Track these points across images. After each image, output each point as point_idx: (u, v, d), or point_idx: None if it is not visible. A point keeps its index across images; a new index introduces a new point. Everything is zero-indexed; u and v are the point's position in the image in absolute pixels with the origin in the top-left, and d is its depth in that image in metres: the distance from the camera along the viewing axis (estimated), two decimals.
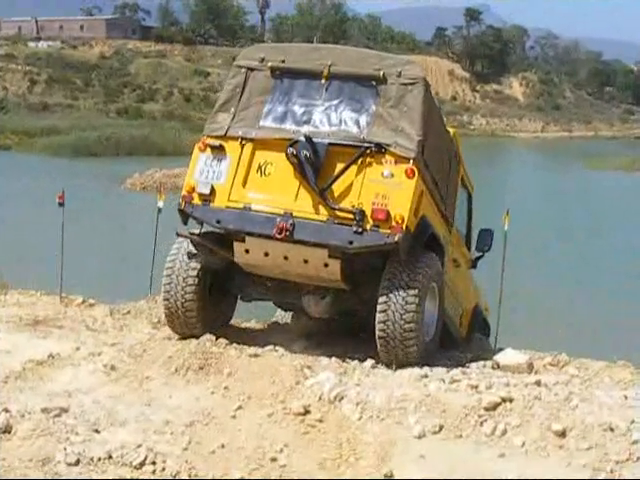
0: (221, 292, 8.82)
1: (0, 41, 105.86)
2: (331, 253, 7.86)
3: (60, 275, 11.19)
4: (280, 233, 7.78)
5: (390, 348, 7.91)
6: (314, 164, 7.84)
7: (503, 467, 6.23)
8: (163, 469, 6.31)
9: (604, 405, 6.86)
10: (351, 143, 7.92)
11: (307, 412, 6.89)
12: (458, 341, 9.97)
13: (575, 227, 34.02)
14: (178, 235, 8.49)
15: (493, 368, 8.31)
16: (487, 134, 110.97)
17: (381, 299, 7.86)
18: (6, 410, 6.84)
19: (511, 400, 6.86)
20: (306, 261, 7.96)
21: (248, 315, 10.24)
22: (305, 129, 8.01)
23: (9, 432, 6.59)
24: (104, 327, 9.45)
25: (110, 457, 6.35)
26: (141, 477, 6.24)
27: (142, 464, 6.32)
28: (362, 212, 7.70)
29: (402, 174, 7.76)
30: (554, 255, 28.21)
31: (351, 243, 7.71)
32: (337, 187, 7.87)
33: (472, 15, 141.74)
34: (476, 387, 7.12)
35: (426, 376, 7.51)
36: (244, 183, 8.11)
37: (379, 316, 7.86)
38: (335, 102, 8.13)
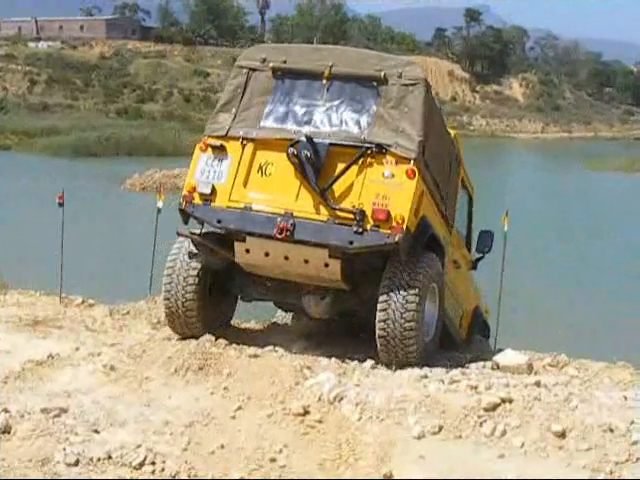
0: (221, 292, 8.82)
1: (0, 41, 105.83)
2: (331, 253, 7.87)
3: (60, 275, 11.19)
4: (281, 233, 7.79)
5: (390, 347, 7.91)
6: (315, 164, 7.85)
7: (502, 468, 6.23)
8: (162, 469, 6.31)
9: (604, 406, 6.86)
10: (352, 143, 7.93)
11: (307, 413, 6.89)
12: (458, 342, 9.97)
13: (575, 228, 34.02)
14: (179, 235, 8.50)
15: (493, 369, 8.31)
16: (487, 135, 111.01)
17: (381, 298, 7.87)
18: (6, 410, 6.84)
19: (511, 401, 6.86)
20: (306, 261, 7.97)
21: (247, 316, 10.24)
22: (306, 129, 8.02)
23: (9, 432, 6.59)
24: (103, 327, 9.45)
25: (109, 457, 6.35)
26: (140, 477, 6.24)
27: (141, 464, 6.32)
28: (362, 212, 7.71)
29: (403, 174, 7.77)
30: (554, 256, 28.21)
31: (351, 243, 7.72)
32: (338, 187, 7.88)
33: (472, 16, 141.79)
34: (476, 388, 7.12)
35: (426, 377, 7.51)
36: (245, 183, 8.12)
37: (379, 315, 7.87)
38: (336, 102, 8.14)
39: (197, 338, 8.34)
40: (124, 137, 61.25)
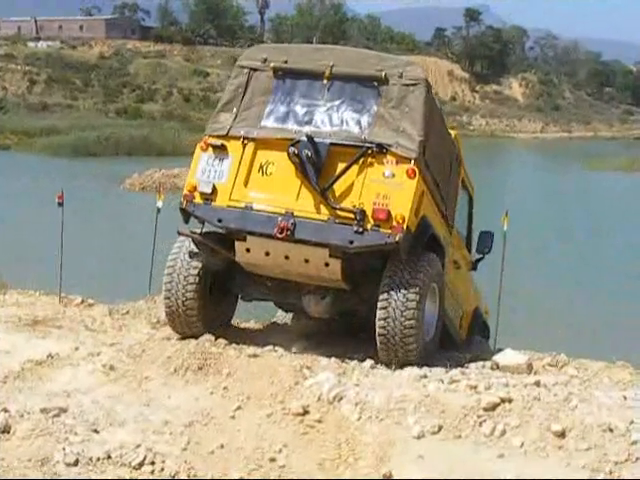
0: (222, 292, 8.83)
1: None
2: (332, 253, 7.88)
3: (59, 275, 11.19)
4: (281, 232, 7.80)
5: (390, 345, 7.91)
6: (315, 164, 7.87)
7: (502, 467, 6.23)
8: (162, 469, 6.31)
9: (603, 406, 6.86)
10: (352, 143, 7.94)
11: (306, 412, 6.89)
12: (458, 343, 9.97)
13: (575, 227, 34.04)
14: (179, 234, 8.51)
15: (492, 368, 8.31)
16: (486, 134, 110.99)
17: (382, 296, 7.88)
18: (5, 410, 6.84)
19: (510, 400, 6.86)
20: (307, 260, 7.98)
21: (247, 315, 10.24)
22: (307, 129, 8.04)
23: (8, 432, 6.59)
24: (103, 327, 9.45)
25: (109, 457, 6.35)
26: (140, 477, 6.24)
27: (141, 464, 6.32)
28: (363, 212, 7.72)
29: (403, 174, 7.79)
30: (553, 255, 28.21)
31: (352, 243, 7.73)
32: (338, 187, 7.90)
33: (471, 15, 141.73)
34: (475, 387, 7.12)
35: (425, 376, 7.51)
36: (246, 182, 8.13)
37: (379, 313, 7.88)
38: (337, 102, 8.15)
39: (197, 338, 8.35)
40: (124, 137, 61.26)
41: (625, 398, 7.12)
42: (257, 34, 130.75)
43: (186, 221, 8.40)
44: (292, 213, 7.88)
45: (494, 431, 6.54)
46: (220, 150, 8.23)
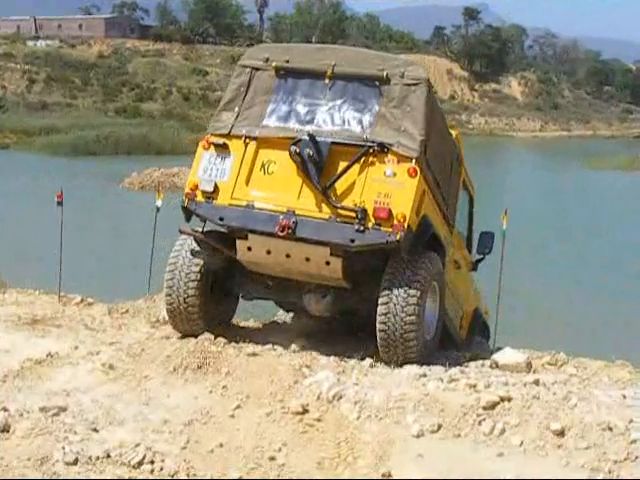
0: (223, 291, 8.83)
1: None
2: (333, 251, 7.90)
3: (59, 274, 11.18)
4: (282, 231, 7.82)
5: (390, 342, 7.92)
6: (317, 163, 7.89)
7: (501, 466, 6.23)
8: (161, 468, 6.31)
9: (602, 404, 6.86)
10: (354, 142, 7.96)
11: (305, 411, 6.89)
12: (458, 343, 9.97)
13: (574, 226, 34.04)
14: (181, 232, 8.53)
15: (492, 367, 8.31)
16: (486, 133, 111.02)
17: (383, 293, 7.90)
18: (4, 409, 6.84)
19: (509, 399, 6.86)
20: (308, 259, 7.99)
21: (246, 314, 10.24)
22: (308, 128, 8.06)
23: (7, 431, 6.60)
24: (102, 326, 9.44)
25: (108, 456, 6.35)
26: (139, 476, 6.24)
27: (140, 463, 6.32)
28: (364, 211, 7.74)
29: (404, 173, 7.81)
30: (553, 254, 28.23)
31: (353, 241, 7.75)
32: (340, 186, 7.92)
33: (471, 14, 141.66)
34: (474, 386, 7.12)
35: (424, 375, 7.51)
36: (247, 181, 8.16)
37: (380, 309, 7.89)
38: (338, 102, 8.18)
39: (196, 336, 8.36)
40: (123, 136, 61.25)
41: (624, 397, 7.12)
42: (256, 33, 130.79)
43: (188, 219, 8.43)
44: (293, 212, 7.89)
45: (493, 430, 6.55)
46: (222, 149, 8.25)
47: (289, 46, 9.14)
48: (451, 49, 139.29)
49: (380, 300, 7.91)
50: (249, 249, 8.19)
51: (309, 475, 6.31)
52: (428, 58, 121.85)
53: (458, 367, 8.05)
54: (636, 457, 6.14)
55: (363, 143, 7.92)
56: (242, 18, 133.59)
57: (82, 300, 10.81)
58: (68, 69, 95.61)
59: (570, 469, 6.13)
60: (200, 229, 8.47)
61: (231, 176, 8.17)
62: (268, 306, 10.09)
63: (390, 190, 7.78)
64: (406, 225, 7.70)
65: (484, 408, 6.77)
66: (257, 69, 8.46)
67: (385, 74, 8.05)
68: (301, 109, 8.26)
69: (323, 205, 7.90)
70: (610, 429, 6.42)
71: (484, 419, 6.66)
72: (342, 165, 7.93)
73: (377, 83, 8.11)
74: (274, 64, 8.38)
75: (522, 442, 6.42)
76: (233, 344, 8.23)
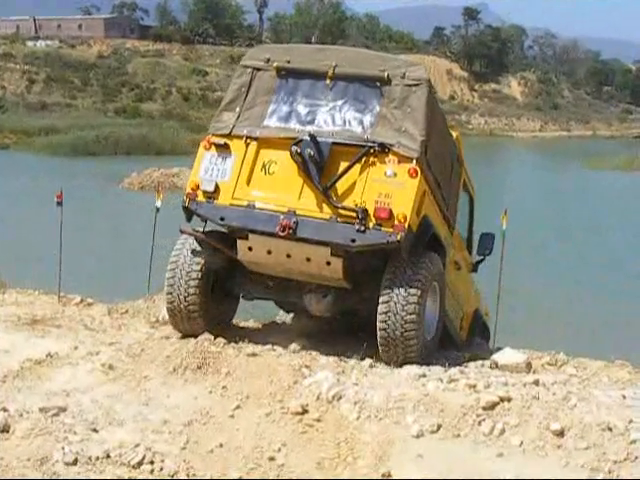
0: (223, 291, 8.84)
1: None
2: (333, 251, 7.92)
3: (58, 274, 11.18)
4: (283, 231, 7.83)
5: (390, 340, 7.93)
6: (318, 163, 7.90)
7: (501, 467, 6.23)
8: (161, 469, 6.31)
9: (602, 405, 6.86)
10: (355, 143, 7.97)
11: (305, 411, 6.89)
12: (458, 344, 9.97)
13: (574, 226, 34.04)
14: (182, 232, 8.54)
15: (491, 367, 8.31)
16: (485, 133, 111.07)
17: (383, 292, 7.92)
18: (4, 409, 6.84)
19: (509, 399, 6.86)
20: (309, 259, 8.01)
21: (246, 315, 10.24)
22: (309, 128, 8.07)
23: (7, 431, 6.59)
24: (102, 326, 9.44)
25: (108, 456, 6.35)
26: (139, 477, 6.24)
27: (140, 463, 6.32)
28: (365, 211, 7.75)
29: (405, 174, 7.82)
30: (553, 254, 28.23)
31: (354, 241, 7.76)
32: (340, 186, 7.93)
33: (470, 14, 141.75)
34: (474, 386, 7.12)
35: (424, 375, 7.51)
36: (248, 181, 8.17)
37: (381, 307, 7.90)
38: (339, 102, 8.20)
39: (196, 337, 8.36)
40: (122, 136, 61.26)
41: (624, 397, 7.12)
42: (256, 33, 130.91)
43: (188, 219, 8.45)
44: (294, 212, 7.91)
45: (493, 430, 6.55)
46: (223, 149, 8.27)
47: (290, 47, 9.15)
48: (451, 49, 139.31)
49: (381, 299, 7.92)
50: (250, 249, 8.20)
51: (309, 475, 6.31)
52: (428, 58, 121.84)
53: (458, 367, 8.05)
54: (636, 457, 6.14)
55: (364, 143, 7.93)
56: (242, 18, 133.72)
57: (82, 300, 10.81)
58: (68, 69, 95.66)
59: (570, 469, 6.13)
60: (201, 229, 8.48)
61: (232, 176, 8.18)
62: (268, 306, 10.09)
63: (391, 190, 7.79)
64: (407, 225, 7.71)
65: (484, 408, 6.77)
66: (258, 69, 8.48)
67: (386, 75, 8.06)
68: (302, 109, 8.27)
69: (324, 205, 7.91)
70: (610, 429, 6.43)
71: (484, 419, 6.66)
72: (343, 165, 7.94)
73: (378, 84, 8.12)
74: (275, 64, 8.39)
75: (522, 442, 6.42)
76: (233, 344, 8.23)
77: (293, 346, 8.48)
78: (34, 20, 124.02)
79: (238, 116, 8.36)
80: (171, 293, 8.53)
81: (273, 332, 9.51)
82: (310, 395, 7.07)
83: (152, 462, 6.33)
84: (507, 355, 8.56)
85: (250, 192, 8.12)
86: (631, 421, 6.51)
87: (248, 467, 6.37)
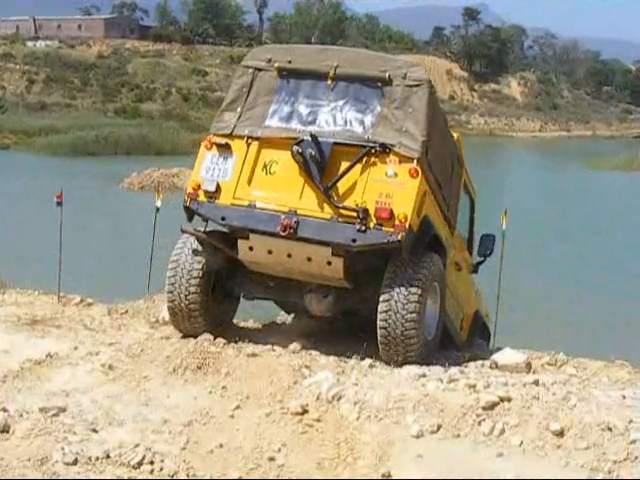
0: (224, 291, 8.84)
1: None
2: (334, 251, 7.92)
3: (58, 274, 11.18)
4: (284, 230, 7.84)
5: (391, 339, 7.93)
6: (319, 163, 7.91)
7: (501, 467, 6.23)
8: (161, 469, 6.31)
9: (602, 405, 6.86)
10: (356, 143, 7.99)
11: (305, 412, 6.89)
12: (458, 345, 9.97)
13: (573, 226, 34.05)
14: (183, 232, 8.55)
15: (491, 367, 8.31)
16: (485, 133, 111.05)
17: (384, 290, 7.92)
18: (4, 410, 6.84)
19: (509, 399, 6.87)
20: (309, 259, 8.01)
21: (246, 315, 10.24)
22: (310, 129, 8.08)
23: (7, 432, 6.60)
24: (102, 327, 9.44)
25: (108, 457, 6.35)
26: (139, 477, 6.24)
27: (140, 464, 6.32)
28: (366, 211, 7.76)
29: (406, 174, 7.83)
30: (552, 254, 28.22)
31: (354, 241, 7.77)
32: (341, 186, 7.94)
33: (470, 14, 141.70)
34: (474, 386, 7.12)
35: (424, 375, 7.51)
36: (249, 181, 8.18)
37: (381, 306, 7.91)
38: (341, 103, 8.21)
39: (196, 337, 8.36)
40: (122, 136, 61.26)
41: (624, 397, 7.12)
42: (256, 33, 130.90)
43: (190, 219, 8.46)
44: (295, 211, 7.92)
45: (493, 430, 6.55)
46: (224, 149, 8.28)
47: (292, 47, 9.17)
48: (451, 49, 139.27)
49: (381, 297, 7.93)
50: (251, 249, 8.21)
51: (309, 475, 6.31)
52: (427, 58, 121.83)
53: (457, 367, 8.05)
54: (636, 457, 6.14)
55: (365, 143, 7.95)
56: (241, 18, 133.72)
57: (81, 300, 10.80)
58: (67, 69, 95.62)
59: (570, 469, 6.14)
60: (202, 228, 8.49)
61: (233, 176, 8.20)
62: (268, 307, 10.09)
63: (392, 190, 7.80)
64: (407, 225, 7.72)
65: (484, 408, 6.77)
66: (260, 70, 8.49)
67: (387, 75, 8.07)
68: (303, 110, 8.28)
69: (325, 205, 7.92)
70: (610, 429, 6.43)
71: (484, 419, 6.66)
72: (344, 165, 7.96)
73: (379, 84, 8.13)
74: (277, 65, 8.41)
75: (522, 442, 6.42)
76: (233, 345, 8.23)
77: (293, 346, 8.48)
78: (34, 20, 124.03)
79: (239, 116, 8.37)
80: (172, 292, 8.53)
81: (273, 332, 9.51)
82: (310, 395, 7.08)
83: (152, 462, 6.34)
84: (507, 355, 8.56)
85: (251, 192, 8.13)
86: (631, 421, 6.52)
87: (248, 467, 6.37)
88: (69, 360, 8.00)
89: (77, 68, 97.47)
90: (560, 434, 6.44)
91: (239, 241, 8.24)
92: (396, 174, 7.85)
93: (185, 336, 8.57)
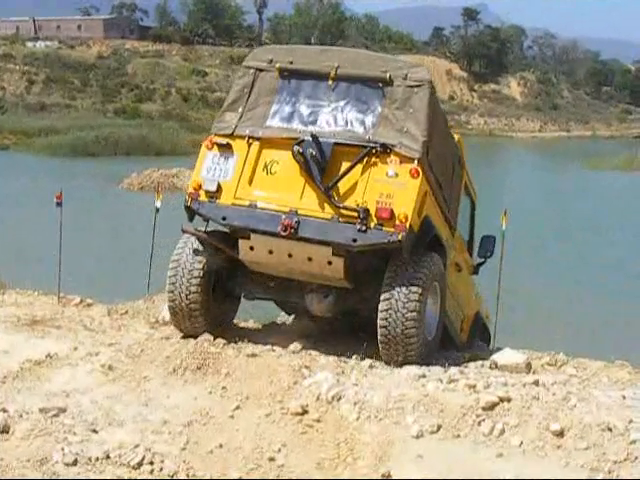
0: (224, 291, 8.85)
1: None
2: (335, 251, 7.93)
3: (58, 275, 11.18)
4: (285, 230, 7.85)
5: (391, 339, 7.93)
6: (320, 163, 7.93)
7: (501, 467, 6.23)
8: (161, 469, 6.31)
9: (602, 405, 6.86)
10: (357, 143, 8.00)
11: (305, 412, 6.89)
12: (458, 346, 9.97)
13: (573, 226, 34.03)
14: (184, 232, 8.55)
15: (491, 368, 8.31)
16: (485, 134, 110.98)
17: (384, 291, 7.93)
18: (4, 410, 6.84)
19: (509, 400, 6.86)
20: (310, 259, 8.02)
21: (246, 315, 10.24)
22: (311, 129, 8.10)
23: (7, 432, 6.60)
24: (102, 327, 9.44)
25: (108, 457, 6.36)
26: (139, 477, 6.24)
27: (140, 464, 6.32)
28: (366, 211, 7.77)
29: (407, 174, 7.83)
30: (552, 254, 28.21)
31: (355, 241, 7.78)
32: (342, 186, 7.96)
33: (470, 15, 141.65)
34: (474, 387, 7.12)
35: (424, 376, 7.51)
36: (250, 181, 8.19)
37: (382, 305, 7.92)
38: (342, 103, 8.23)
39: (196, 337, 8.36)
40: (122, 137, 61.22)
41: (624, 397, 7.12)
42: (255, 34, 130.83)
43: (190, 219, 8.47)
44: (296, 211, 7.93)
45: (493, 430, 6.55)
46: (225, 149, 8.30)
47: (293, 47, 9.19)
48: (450, 50, 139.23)
49: (382, 297, 7.93)
50: (251, 249, 8.22)
51: (309, 475, 6.31)
52: (427, 59, 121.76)
53: (457, 368, 8.05)
54: (636, 457, 6.14)
55: (366, 144, 7.96)
56: (241, 19, 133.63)
57: (81, 301, 10.81)
58: (67, 70, 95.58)
59: (570, 469, 6.14)
60: (203, 228, 8.49)
61: (234, 176, 8.21)
62: (268, 307, 10.09)
63: (392, 190, 7.81)
64: (408, 225, 7.73)
65: (483, 409, 6.77)
66: (261, 70, 8.51)
67: (388, 76, 8.08)
68: (304, 110, 8.30)
69: (325, 205, 7.93)
70: (610, 429, 6.43)
71: (483, 420, 6.66)
72: (345, 165, 7.97)
73: (380, 85, 8.15)
74: (278, 65, 8.42)
75: (521, 442, 6.42)
76: (232, 345, 8.23)
77: (293, 346, 8.48)
78: (34, 21, 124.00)
79: (240, 116, 8.39)
80: (173, 292, 8.54)
81: (273, 333, 9.51)
82: (310, 396, 7.08)
83: (152, 462, 6.34)
84: (507, 355, 8.56)
85: (252, 192, 8.15)
86: (631, 421, 6.52)
87: (248, 467, 6.37)
88: (69, 360, 8.00)
89: (77, 69, 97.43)
90: (560, 434, 6.44)
91: (240, 241, 8.25)
92: (397, 174, 7.86)
93: (185, 336, 8.58)
